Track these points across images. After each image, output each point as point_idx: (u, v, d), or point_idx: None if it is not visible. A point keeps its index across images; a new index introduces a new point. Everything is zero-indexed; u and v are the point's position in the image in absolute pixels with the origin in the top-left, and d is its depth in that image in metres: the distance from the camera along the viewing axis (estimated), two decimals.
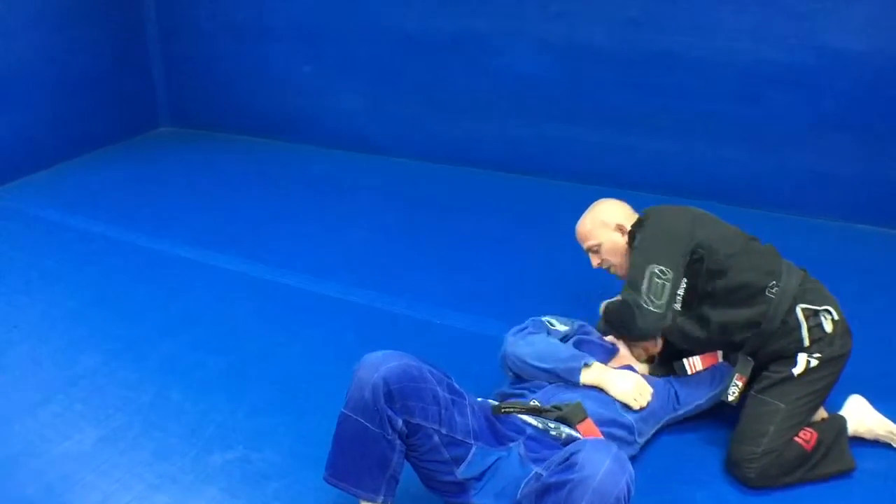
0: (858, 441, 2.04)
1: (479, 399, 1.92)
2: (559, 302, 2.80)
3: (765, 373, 1.98)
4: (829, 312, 1.94)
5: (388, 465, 1.65)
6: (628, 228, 2.16)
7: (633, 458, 1.93)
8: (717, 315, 1.98)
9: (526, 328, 2.12)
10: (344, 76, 4.47)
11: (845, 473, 1.95)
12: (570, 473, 1.42)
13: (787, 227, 3.40)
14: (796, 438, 1.91)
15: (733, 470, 1.93)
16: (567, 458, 1.48)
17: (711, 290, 1.98)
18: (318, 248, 3.39)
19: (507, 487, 1.67)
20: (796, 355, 1.93)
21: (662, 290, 1.94)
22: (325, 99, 4.60)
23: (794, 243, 3.21)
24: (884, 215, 3.36)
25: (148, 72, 5.03)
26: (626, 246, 2.15)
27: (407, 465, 1.72)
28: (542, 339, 2.06)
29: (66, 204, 3.93)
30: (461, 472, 1.70)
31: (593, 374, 1.96)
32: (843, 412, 2.05)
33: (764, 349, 1.99)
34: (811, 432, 1.94)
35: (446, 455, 1.68)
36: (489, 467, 1.71)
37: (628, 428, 1.92)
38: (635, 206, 3.69)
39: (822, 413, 2.07)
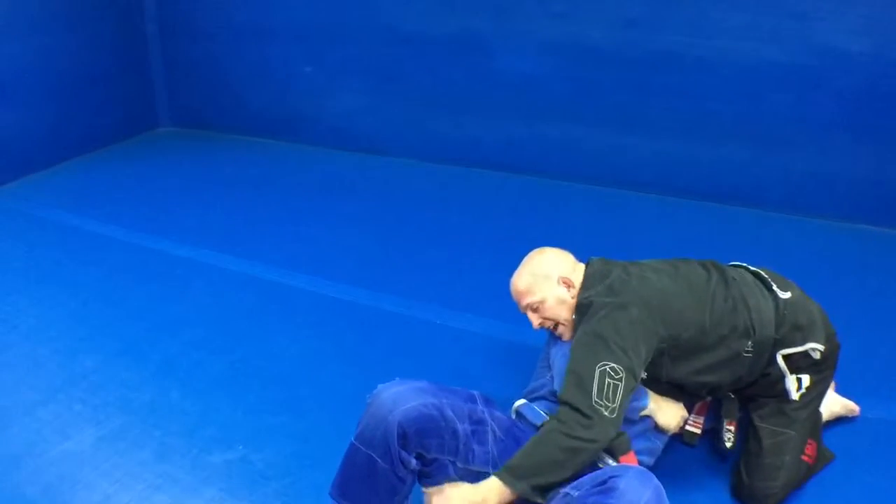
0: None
1: (520, 402, 1.87)
2: None
3: (761, 399, 1.89)
4: (815, 349, 1.80)
5: (396, 494, 1.62)
6: (574, 282, 1.88)
7: None
8: (689, 382, 1.84)
9: None
10: (344, 76, 4.48)
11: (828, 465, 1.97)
12: (608, 498, 1.40)
13: (787, 227, 3.40)
14: (803, 457, 1.87)
15: (751, 502, 1.85)
16: (605, 482, 1.45)
17: (677, 374, 1.81)
18: (318, 248, 3.39)
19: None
20: (787, 387, 1.83)
21: (615, 394, 1.62)
22: (326, 99, 4.61)
23: (794, 243, 3.24)
24: (884, 215, 3.36)
25: (148, 72, 5.03)
26: (573, 301, 1.87)
27: None
28: None
29: (66, 204, 3.93)
30: None
31: (649, 407, 1.86)
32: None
33: (747, 392, 1.91)
34: (811, 443, 1.91)
35: (461, 484, 1.65)
36: None
37: (655, 452, 1.88)
38: (636, 206, 3.74)
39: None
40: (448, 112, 4.23)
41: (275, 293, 2.98)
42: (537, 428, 1.77)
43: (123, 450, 2.10)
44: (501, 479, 1.57)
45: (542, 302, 1.88)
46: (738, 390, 1.92)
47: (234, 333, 2.69)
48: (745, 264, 1.97)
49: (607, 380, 1.62)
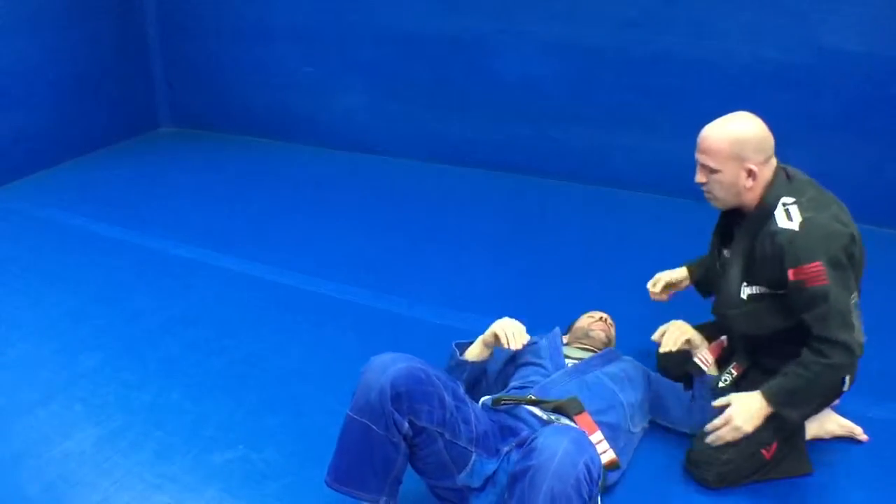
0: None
1: (484, 398, 1.93)
2: (559, 301, 2.80)
3: (753, 380, 1.94)
4: (846, 382, 1.87)
5: (391, 468, 1.65)
6: (760, 176, 1.84)
7: (630, 452, 1.95)
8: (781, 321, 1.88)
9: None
10: (344, 76, 4.48)
11: (802, 476, 1.95)
12: (530, 460, 1.44)
13: None
14: (762, 450, 1.89)
15: (692, 469, 1.91)
16: (529, 445, 1.50)
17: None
18: (318, 248, 3.39)
19: (502, 493, 1.67)
20: None
21: (861, 324, 1.75)
22: (326, 99, 4.61)
23: None
24: (884, 215, 3.36)
25: (148, 72, 5.03)
26: (744, 188, 1.84)
27: (410, 469, 1.72)
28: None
29: (66, 204, 3.93)
30: (461, 479, 1.69)
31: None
32: None
33: (768, 358, 1.96)
34: (775, 443, 1.92)
35: (447, 460, 1.68)
36: (489, 478, 1.70)
37: (621, 408, 1.92)
38: (635, 207, 3.73)
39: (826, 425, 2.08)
40: (448, 112, 4.22)
41: (275, 293, 2.99)
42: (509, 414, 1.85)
43: (123, 450, 2.10)
44: (779, 411, 1.78)
45: (717, 171, 1.85)
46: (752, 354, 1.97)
47: (234, 333, 2.70)
48: None
49: (857, 312, 1.76)
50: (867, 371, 2.25)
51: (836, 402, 2.12)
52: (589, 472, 1.42)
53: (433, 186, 4.08)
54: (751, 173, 1.83)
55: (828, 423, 2.06)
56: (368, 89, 4.43)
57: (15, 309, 2.90)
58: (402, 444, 1.64)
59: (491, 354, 2.05)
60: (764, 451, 1.89)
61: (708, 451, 1.87)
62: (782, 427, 1.93)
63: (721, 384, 1.99)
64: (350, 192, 4.05)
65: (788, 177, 1.88)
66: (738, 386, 1.98)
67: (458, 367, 2.04)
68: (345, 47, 4.38)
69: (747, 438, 1.85)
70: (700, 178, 1.90)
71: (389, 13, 4.17)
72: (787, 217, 1.78)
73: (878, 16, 3.12)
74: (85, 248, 3.42)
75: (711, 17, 3.41)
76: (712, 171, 1.86)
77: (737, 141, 1.82)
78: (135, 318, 2.81)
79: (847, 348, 1.71)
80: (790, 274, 1.75)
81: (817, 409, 1.86)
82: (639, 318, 2.36)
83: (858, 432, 2.06)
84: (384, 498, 1.66)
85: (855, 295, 1.76)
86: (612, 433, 1.86)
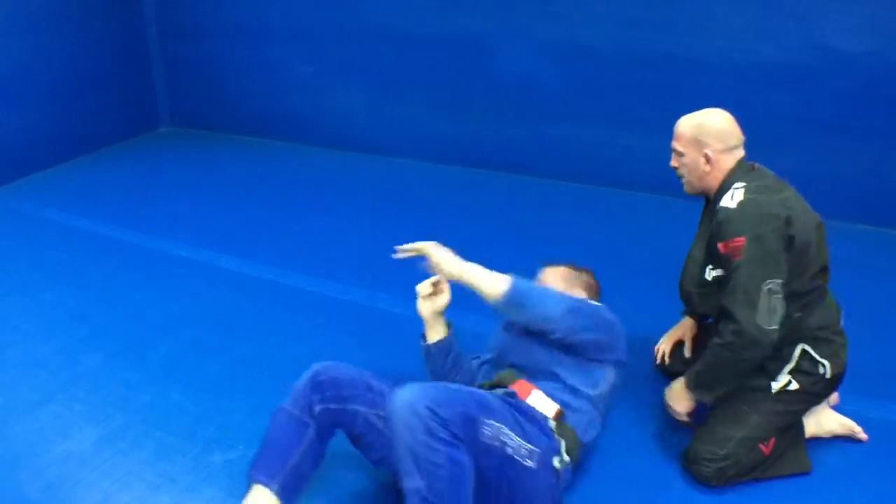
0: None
1: None
2: None
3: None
4: (825, 368, 1.88)
5: (291, 451, 1.70)
6: (719, 163, 1.96)
7: (601, 414, 1.91)
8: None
9: None
10: (344, 76, 4.48)
11: (801, 475, 1.95)
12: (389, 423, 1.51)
13: None
14: (760, 445, 1.90)
15: (691, 467, 1.92)
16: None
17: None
18: (318, 248, 3.39)
19: None
20: (777, 375, 1.90)
21: (776, 310, 1.75)
22: (325, 99, 4.61)
23: None
24: (884, 215, 3.37)
25: (148, 72, 5.04)
26: (703, 172, 1.98)
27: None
28: None
29: (67, 204, 3.93)
30: None
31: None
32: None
33: None
34: (772, 440, 1.92)
35: (383, 428, 1.72)
36: None
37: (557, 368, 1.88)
38: (635, 207, 3.73)
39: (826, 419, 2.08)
40: (448, 112, 4.23)
41: (275, 293, 2.99)
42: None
43: (123, 450, 2.10)
44: (694, 393, 1.90)
45: (682, 154, 2.01)
46: None
47: (234, 333, 2.70)
48: None
49: (772, 298, 1.75)
50: (867, 371, 2.26)
51: (836, 401, 2.13)
52: (434, 413, 1.44)
53: (433, 186, 4.09)
54: (708, 159, 1.96)
55: (827, 422, 2.06)
56: (368, 89, 4.43)
57: (15, 309, 2.90)
58: (311, 427, 1.71)
59: (450, 329, 2.13)
60: (762, 447, 1.90)
61: (706, 448, 1.88)
62: (782, 428, 1.94)
63: None
64: (349, 192, 4.06)
65: (753, 169, 1.97)
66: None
67: (427, 356, 2.10)
68: (344, 47, 4.38)
69: (745, 435, 1.87)
70: (673, 161, 2.06)
71: (388, 13, 4.18)
72: (731, 198, 1.87)
73: (878, 16, 3.13)
74: (85, 248, 3.42)
75: (711, 18, 3.42)
76: (679, 154, 2.02)
77: (698, 127, 1.98)
78: (135, 318, 2.81)
79: (739, 328, 1.75)
80: (720, 248, 1.83)
81: (732, 387, 1.87)
82: (637, 317, 2.36)
83: (858, 431, 2.06)
84: (276, 485, 1.68)
85: (775, 281, 1.75)
86: (555, 386, 1.83)
